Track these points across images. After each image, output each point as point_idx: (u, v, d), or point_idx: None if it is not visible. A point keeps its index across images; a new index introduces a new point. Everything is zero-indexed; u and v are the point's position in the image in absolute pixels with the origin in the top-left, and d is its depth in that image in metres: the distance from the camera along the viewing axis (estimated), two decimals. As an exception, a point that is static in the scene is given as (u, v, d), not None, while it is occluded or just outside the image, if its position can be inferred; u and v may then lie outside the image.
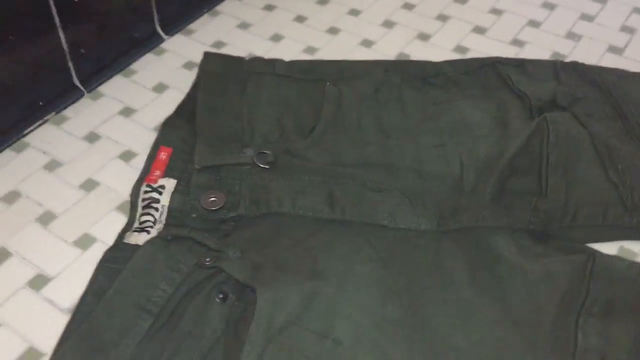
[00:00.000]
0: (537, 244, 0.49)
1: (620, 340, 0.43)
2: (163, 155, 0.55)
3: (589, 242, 0.50)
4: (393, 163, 0.54)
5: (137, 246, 0.49)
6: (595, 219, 0.50)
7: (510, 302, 0.45)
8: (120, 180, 0.57)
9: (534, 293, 0.46)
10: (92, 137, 0.62)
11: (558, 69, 0.62)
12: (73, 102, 0.65)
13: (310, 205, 0.51)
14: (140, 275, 0.45)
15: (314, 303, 0.43)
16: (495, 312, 0.45)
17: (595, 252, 0.48)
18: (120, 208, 0.56)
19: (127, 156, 0.60)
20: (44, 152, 0.60)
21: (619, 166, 0.51)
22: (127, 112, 0.65)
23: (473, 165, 0.53)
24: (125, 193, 0.55)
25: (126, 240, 0.50)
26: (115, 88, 0.67)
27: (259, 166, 0.54)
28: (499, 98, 0.59)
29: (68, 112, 0.64)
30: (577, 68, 0.62)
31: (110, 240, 0.51)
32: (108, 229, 0.53)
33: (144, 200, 0.53)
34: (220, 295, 0.45)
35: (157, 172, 0.54)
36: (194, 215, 0.51)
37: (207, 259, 0.47)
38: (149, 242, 0.48)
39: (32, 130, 0.62)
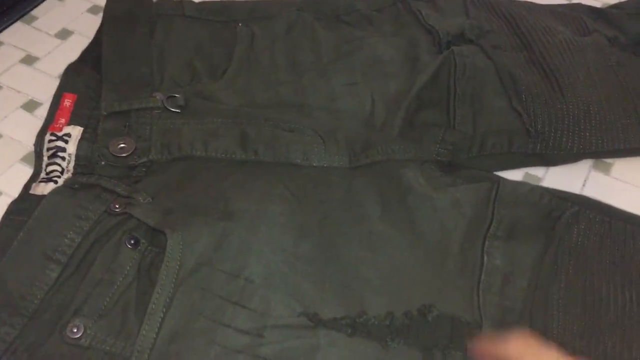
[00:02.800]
0: (445, 175, 0.50)
1: (522, 260, 0.45)
2: (67, 102, 0.53)
3: (495, 171, 0.52)
4: (306, 102, 0.54)
5: (44, 197, 0.47)
6: (501, 147, 0.52)
7: (420, 230, 0.47)
8: (24, 131, 0.55)
9: (442, 220, 0.47)
10: None
11: (468, 3, 0.62)
12: None
13: (223, 147, 0.50)
14: (46, 224, 0.44)
15: (226, 243, 0.43)
16: (406, 241, 0.46)
17: (500, 179, 0.49)
18: (25, 159, 0.53)
19: (30, 106, 0.58)
20: None
21: (523, 96, 0.53)
22: (29, 60, 0.62)
23: (383, 102, 0.53)
24: (30, 144, 0.53)
25: (32, 192, 0.49)
26: (16, 35, 0.64)
27: (170, 110, 0.52)
28: (410, 34, 0.59)
29: None
30: (486, 1, 0.63)
31: (16, 193, 0.49)
32: (13, 181, 0.51)
33: (49, 149, 0.51)
34: (132, 241, 0.44)
35: (62, 120, 0.52)
36: (102, 163, 0.50)
37: (117, 206, 0.46)
38: (55, 191, 0.46)
39: None
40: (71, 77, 0.55)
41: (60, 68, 0.59)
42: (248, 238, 0.44)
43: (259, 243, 0.44)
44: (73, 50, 0.60)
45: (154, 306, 0.40)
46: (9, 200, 0.48)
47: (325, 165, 0.50)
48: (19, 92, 0.59)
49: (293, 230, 0.45)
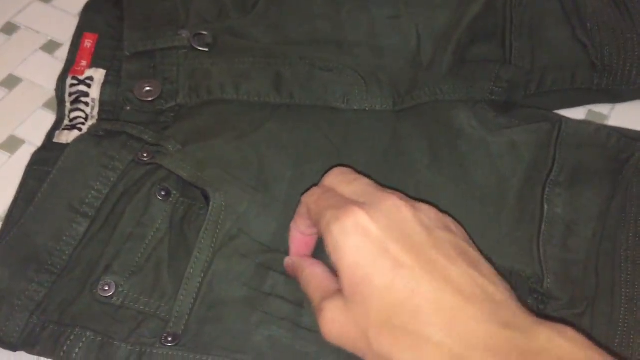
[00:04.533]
0: (500, 115, 0.45)
1: (587, 208, 0.41)
2: (88, 42, 0.50)
3: (555, 109, 0.47)
4: (345, 38, 0.49)
5: (68, 145, 0.44)
6: (562, 83, 0.47)
7: (474, 178, 0.43)
8: (45, 74, 0.51)
9: (497, 166, 0.43)
10: (9, 29, 0.55)
11: None
12: None
13: (256, 89, 0.46)
14: (70, 175, 0.41)
15: (264, 215, 0.41)
16: (458, 191, 0.42)
17: (561, 119, 0.45)
18: (47, 105, 0.50)
19: (50, 47, 0.54)
20: None
21: (588, 24, 0.47)
22: None
23: (430, 36, 0.48)
24: (51, 88, 0.49)
25: (56, 140, 0.46)
26: (31, -28, 0.59)
27: (197, 49, 0.48)
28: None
29: None
30: None
31: (39, 141, 0.47)
32: (36, 128, 0.48)
33: (71, 94, 0.47)
34: (163, 193, 0.42)
35: (83, 63, 0.49)
36: (128, 108, 0.47)
37: (145, 155, 0.43)
38: (78, 140, 0.43)
39: None
40: (91, 15, 0.51)
41: (80, 5, 0.55)
42: (285, 213, 0.41)
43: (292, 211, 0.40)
44: None
45: (192, 270, 0.38)
46: (33, 149, 0.46)
47: (367, 108, 0.46)
48: (37, 32, 0.55)
49: None
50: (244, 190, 0.41)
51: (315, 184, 0.38)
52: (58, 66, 0.50)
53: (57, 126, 0.47)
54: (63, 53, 0.52)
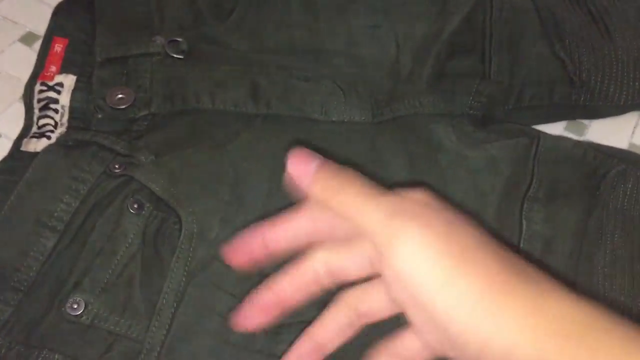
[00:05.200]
0: (478, 130, 0.45)
1: (565, 224, 0.41)
2: (58, 47, 0.48)
3: (533, 124, 0.47)
4: (323, 48, 0.49)
5: (37, 154, 0.42)
6: (541, 98, 0.47)
7: (453, 193, 0.42)
8: (23, 66, 0.49)
9: (476, 181, 0.43)
10: None
11: None
12: None
13: (232, 99, 0.45)
14: (38, 187, 0.40)
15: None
16: None
17: (539, 133, 0.45)
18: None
19: (29, 39, 0.52)
20: None
21: (567, 40, 0.47)
22: None
23: (409, 47, 0.48)
24: None
25: (24, 148, 0.44)
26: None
27: (172, 56, 0.47)
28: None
29: None
30: None
31: (15, 135, 0.45)
32: (12, 122, 0.46)
33: (39, 100, 0.46)
34: (135, 205, 0.40)
35: (53, 68, 0.47)
36: (99, 116, 0.45)
37: (116, 166, 0.41)
38: (46, 150, 0.42)
39: None
40: (61, 19, 0.49)
41: None
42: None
43: None
44: None
45: (164, 300, 0.36)
46: (9, 144, 0.44)
47: (345, 120, 0.45)
48: (15, 23, 0.53)
49: None
50: (218, 206, 0.40)
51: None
52: (35, 58, 0.48)
53: (25, 133, 0.45)
54: (40, 46, 0.50)
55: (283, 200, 0.41)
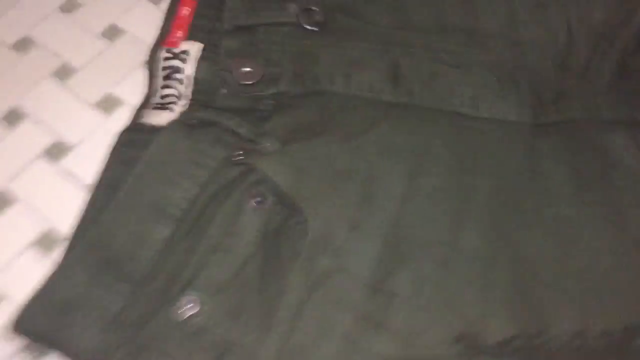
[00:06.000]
0: (667, 144, 0.37)
1: None
2: (185, 10, 0.44)
3: None
4: (478, 27, 0.42)
5: (157, 128, 0.40)
6: None
7: (629, 220, 0.35)
8: (149, 27, 0.46)
9: (661, 209, 0.36)
10: None
11: None
12: None
13: (369, 82, 0.40)
14: (157, 170, 0.37)
15: (366, 247, 0.35)
16: (608, 234, 0.35)
17: None
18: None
19: None
20: None
21: None
22: None
23: (586, 33, 0.40)
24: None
25: (144, 120, 0.41)
26: None
27: (305, 28, 0.42)
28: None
29: None
30: None
31: (138, 103, 0.43)
32: (135, 88, 0.44)
33: (164, 69, 0.43)
34: (257, 199, 0.37)
35: (179, 33, 0.43)
36: (225, 91, 0.42)
37: (240, 152, 0.38)
38: (168, 129, 0.38)
39: None
40: (191, -21, 0.45)
41: None
42: (393, 236, 0.35)
43: (407, 242, 0.34)
44: None
45: (283, 313, 0.33)
46: (131, 112, 0.42)
47: (499, 117, 0.39)
48: None
49: (451, 215, 0.35)
50: (346, 208, 0.36)
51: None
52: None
53: (146, 103, 0.42)
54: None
55: (419, 206, 0.36)
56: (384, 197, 0.37)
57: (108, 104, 0.44)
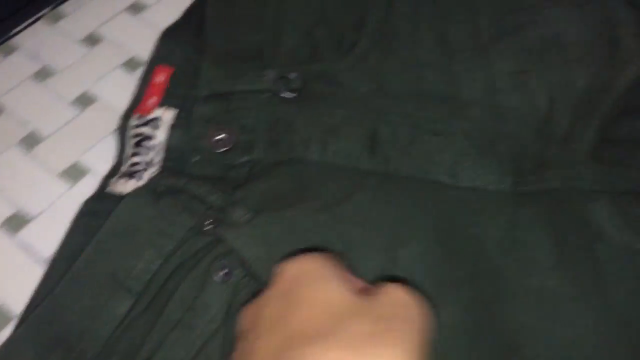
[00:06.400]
0: (653, 214, 0.36)
1: None
2: (160, 77, 0.43)
3: None
4: (457, 95, 0.41)
5: (123, 197, 0.38)
6: None
7: (614, 296, 0.33)
8: (123, 95, 0.45)
9: (646, 284, 0.33)
10: (92, 40, 0.50)
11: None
12: None
13: (346, 150, 0.39)
14: (118, 240, 0.35)
15: None
16: (592, 308, 0.33)
17: None
18: None
19: (132, 65, 0.48)
20: (34, 58, 0.49)
21: None
22: (136, 8, 0.52)
23: (567, 101, 0.39)
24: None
25: (110, 189, 0.40)
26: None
27: (282, 95, 0.41)
28: (604, 3, 0.43)
29: (66, 7, 0.52)
30: None
31: (104, 173, 0.41)
32: (104, 157, 0.43)
33: (135, 136, 0.41)
34: (223, 272, 0.34)
35: (153, 100, 0.43)
36: (196, 158, 0.40)
37: (207, 222, 0.36)
38: (133, 195, 0.37)
39: (21, 30, 0.50)
40: (167, 45, 0.45)
41: (171, 19, 0.49)
42: None
43: None
44: None
45: None
46: (97, 182, 0.41)
47: (479, 186, 0.37)
48: (120, 47, 0.49)
49: (433, 285, 0.33)
50: None
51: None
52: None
53: (114, 172, 0.41)
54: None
55: (402, 271, 0.34)
56: (360, 271, 0.34)
57: (74, 173, 0.43)
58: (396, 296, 0.25)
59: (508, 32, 0.44)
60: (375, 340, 0.22)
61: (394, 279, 0.28)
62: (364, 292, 0.25)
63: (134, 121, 0.42)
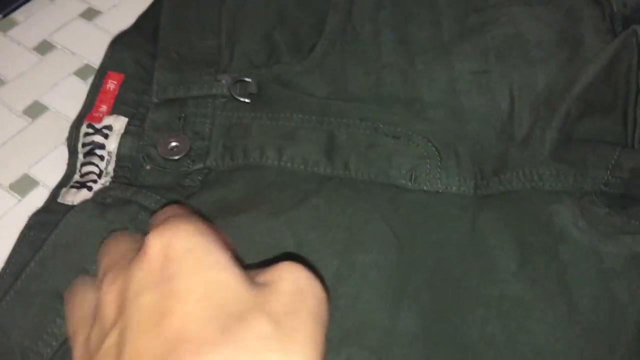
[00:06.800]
0: (615, 214, 0.35)
1: None
2: (111, 84, 0.42)
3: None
4: (418, 96, 0.40)
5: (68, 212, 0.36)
6: None
7: (578, 299, 0.32)
8: (74, 103, 0.44)
9: (611, 287, 0.32)
10: (44, 48, 0.48)
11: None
12: (25, 2, 0.51)
13: (302, 155, 0.38)
14: (63, 254, 0.34)
15: None
16: (556, 313, 0.32)
17: None
18: None
19: (85, 72, 0.47)
20: None
21: None
22: (90, 14, 0.50)
23: (528, 101, 0.38)
24: None
25: (61, 200, 0.38)
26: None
27: (237, 99, 0.40)
28: (567, 3, 0.43)
29: (18, 14, 0.50)
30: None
31: (54, 185, 0.40)
32: (55, 168, 0.41)
33: (85, 145, 0.40)
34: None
35: (103, 108, 0.41)
36: (148, 167, 0.39)
37: (157, 232, 0.34)
38: (78, 208, 0.35)
39: None
40: (119, 51, 0.43)
41: (126, 26, 0.48)
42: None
43: (338, 326, 0.31)
44: (142, 4, 0.48)
45: None
46: (47, 194, 0.39)
47: (440, 190, 0.36)
48: (74, 54, 0.48)
49: (390, 294, 0.32)
50: None
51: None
52: None
53: (65, 182, 0.39)
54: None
55: (354, 285, 0.33)
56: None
57: (22, 185, 0.41)
58: (294, 282, 0.21)
59: (470, 32, 0.43)
60: (278, 344, 0.19)
61: (287, 257, 0.24)
62: (254, 277, 0.22)
63: (84, 129, 0.40)
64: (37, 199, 0.40)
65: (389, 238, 0.34)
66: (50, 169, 0.41)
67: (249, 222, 0.35)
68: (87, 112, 0.41)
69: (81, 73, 0.47)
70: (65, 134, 0.42)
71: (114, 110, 0.41)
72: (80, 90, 0.45)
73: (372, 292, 0.32)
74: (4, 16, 0.50)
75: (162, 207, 0.34)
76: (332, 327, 0.31)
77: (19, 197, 0.41)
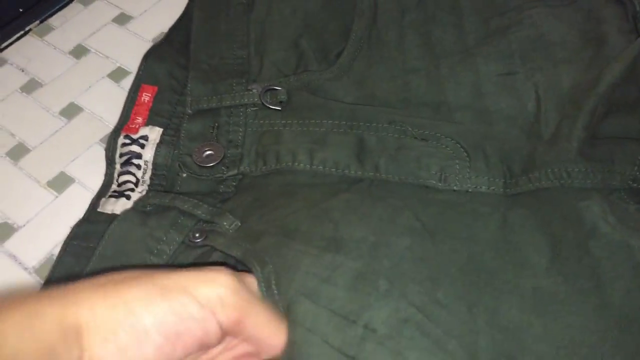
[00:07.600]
0: (644, 209, 0.35)
1: None
2: (146, 96, 0.43)
3: None
4: (445, 99, 0.41)
5: (114, 217, 0.38)
6: None
7: (610, 293, 0.32)
8: (108, 105, 0.46)
9: (643, 280, 0.33)
10: (79, 52, 0.50)
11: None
12: (60, 8, 0.53)
13: (333, 159, 0.39)
14: (111, 264, 0.35)
15: (334, 277, 0.31)
16: (588, 306, 0.32)
17: None
18: (104, 141, 0.44)
19: (118, 75, 0.48)
20: (22, 70, 0.49)
21: None
22: (122, 19, 0.52)
23: (554, 101, 0.39)
24: (111, 121, 0.44)
25: (101, 209, 0.39)
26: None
27: (268, 107, 0.41)
28: (590, 3, 0.43)
29: (54, 20, 0.52)
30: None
31: (89, 182, 0.42)
32: (87, 167, 0.43)
33: (122, 155, 0.41)
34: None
35: (139, 119, 0.43)
36: (184, 175, 0.40)
37: (197, 234, 0.35)
38: (121, 218, 0.37)
39: (10, 44, 0.51)
40: (151, 64, 0.45)
41: (156, 30, 0.50)
42: (366, 272, 0.32)
43: (383, 280, 0.31)
44: (173, 9, 0.50)
45: None
46: (82, 191, 0.42)
47: (469, 189, 0.37)
48: (107, 57, 0.49)
49: (426, 271, 0.32)
50: (305, 253, 0.32)
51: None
52: (122, 96, 0.44)
53: (103, 191, 0.40)
54: (129, 82, 0.46)
55: (392, 256, 0.33)
56: (352, 243, 0.33)
57: (59, 182, 0.43)
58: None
59: (494, 35, 0.43)
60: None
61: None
62: None
63: (121, 140, 0.41)
64: (72, 195, 0.42)
65: (420, 231, 0.35)
66: (85, 166, 0.43)
67: (285, 213, 0.35)
68: (123, 124, 0.42)
69: (114, 75, 0.48)
70: (99, 134, 0.44)
71: (149, 122, 0.42)
72: (113, 92, 0.47)
73: (409, 265, 0.32)
74: (41, 22, 0.52)
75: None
76: (378, 284, 0.31)
77: (55, 194, 0.42)
